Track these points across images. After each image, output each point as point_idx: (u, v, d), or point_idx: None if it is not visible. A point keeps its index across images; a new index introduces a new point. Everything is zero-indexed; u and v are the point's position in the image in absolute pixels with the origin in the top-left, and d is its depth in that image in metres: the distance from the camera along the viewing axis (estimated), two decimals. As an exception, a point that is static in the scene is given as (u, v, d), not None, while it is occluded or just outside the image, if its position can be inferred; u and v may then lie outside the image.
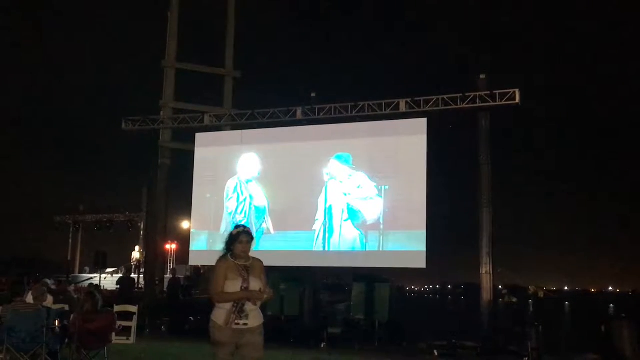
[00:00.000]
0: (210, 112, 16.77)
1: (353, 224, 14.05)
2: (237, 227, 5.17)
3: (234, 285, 4.90)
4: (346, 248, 14.10)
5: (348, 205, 14.16)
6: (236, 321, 4.86)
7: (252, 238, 5.12)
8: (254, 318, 5.01)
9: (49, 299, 9.77)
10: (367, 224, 13.95)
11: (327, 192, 14.42)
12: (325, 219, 14.35)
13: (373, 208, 13.96)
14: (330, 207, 14.34)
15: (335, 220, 14.24)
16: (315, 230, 14.37)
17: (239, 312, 4.87)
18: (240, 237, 5.03)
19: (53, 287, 12.92)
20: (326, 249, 14.24)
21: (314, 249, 14.33)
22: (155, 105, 19.23)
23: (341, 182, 14.36)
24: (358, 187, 14.15)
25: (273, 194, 15.02)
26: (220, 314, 4.89)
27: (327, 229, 14.30)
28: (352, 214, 14.08)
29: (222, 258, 5.03)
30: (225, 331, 4.86)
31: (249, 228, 5.19)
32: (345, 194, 14.25)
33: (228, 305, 4.87)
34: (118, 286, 17.35)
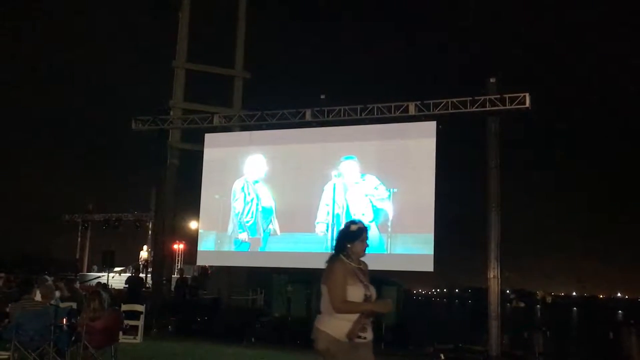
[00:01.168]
0: (219, 113, 16.79)
1: (376, 226, 13.91)
2: (353, 222, 4.45)
3: (356, 293, 4.23)
4: (372, 250, 13.90)
5: (373, 206, 14.01)
6: (359, 334, 4.19)
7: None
8: (371, 330, 4.34)
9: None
10: (382, 226, 13.85)
11: (335, 192, 14.38)
12: (338, 219, 14.22)
13: (388, 209, 13.88)
14: (347, 207, 14.19)
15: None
16: (323, 232, 14.28)
17: (364, 324, 4.22)
18: (362, 235, 4.38)
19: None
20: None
21: (324, 251, 14.26)
22: (165, 106, 19.31)
23: (357, 182, 14.25)
24: (375, 188, 14.05)
25: (280, 195, 15.02)
26: (340, 325, 4.18)
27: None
28: (376, 214, 13.96)
29: (338, 260, 4.31)
30: (344, 345, 4.18)
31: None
32: (366, 195, 14.12)
33: (353, 317, 4.18)
34: (126, 285, 17.43)
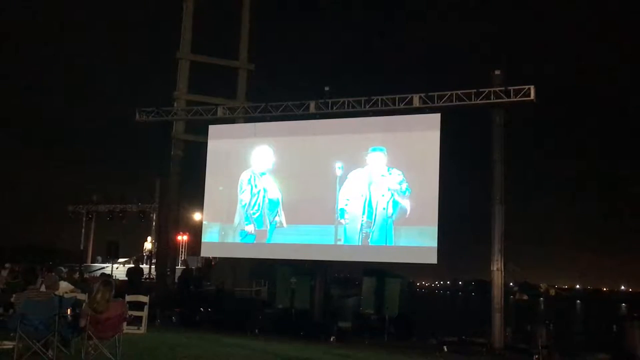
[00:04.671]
0: (223, 105, 16.80)
1: (392, 221, 13.81)
2: None
3: None
4: (377, 243, 13.92)
5: (394, 201, 13.90)
6: None
7: None
8: None
9: (66, 285, 9.83)
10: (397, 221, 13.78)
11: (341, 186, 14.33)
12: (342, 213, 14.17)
13: (406, 205, 13.78)
14: (370, 200, 14.09)
15: (377, 216, 13.96)
16: (335, 224, 14.22)
17: None
18: None
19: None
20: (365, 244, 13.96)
21: (330, 243, 14.19)
22: (169, 97, 19.31)
23: (382, 175, 14.11)
24: (399, 183, 13.88)
25: (286, 187, 14.99)
26: None
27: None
28: (395, 210, 13.86)
29: None
30: None
31: None
32: (389, 189, 13.98)
33: None
34: (126, 278, 17.48)
